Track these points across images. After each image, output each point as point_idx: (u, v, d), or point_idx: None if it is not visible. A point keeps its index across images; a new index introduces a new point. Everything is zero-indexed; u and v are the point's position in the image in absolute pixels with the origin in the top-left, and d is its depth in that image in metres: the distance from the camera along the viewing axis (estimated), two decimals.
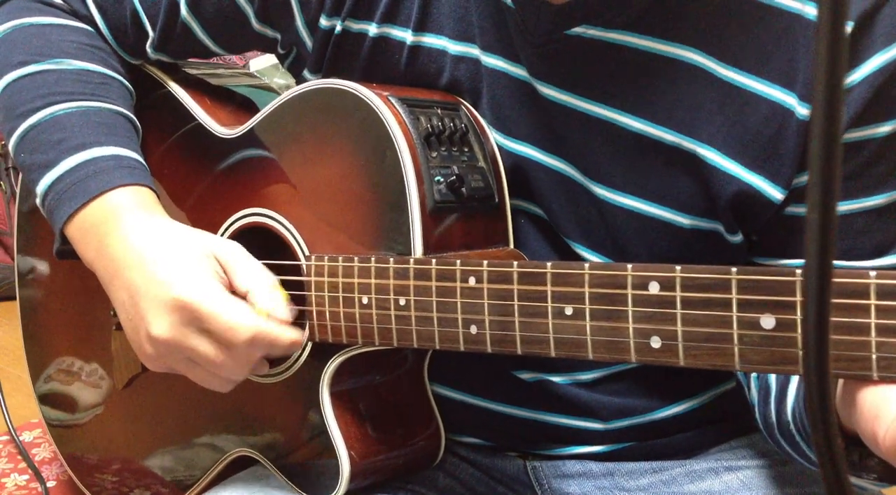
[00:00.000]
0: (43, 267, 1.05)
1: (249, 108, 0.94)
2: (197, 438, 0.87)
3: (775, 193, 0.65)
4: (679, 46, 0.65)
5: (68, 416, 1.04)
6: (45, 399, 1.08)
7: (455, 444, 0.83)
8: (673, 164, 0.67)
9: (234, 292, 0.71)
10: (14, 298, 1.09)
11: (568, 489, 0.79)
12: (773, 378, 0.68)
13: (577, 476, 0.79)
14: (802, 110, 0.63)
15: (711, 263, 0.69)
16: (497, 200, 0.74)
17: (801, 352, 0.48)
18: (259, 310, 0.69)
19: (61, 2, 0.86)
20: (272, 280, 0.72)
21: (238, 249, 0.73)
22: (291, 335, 0.70)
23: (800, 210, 0.66)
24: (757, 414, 0.71)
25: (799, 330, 0.48)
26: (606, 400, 0.76)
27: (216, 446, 0.84)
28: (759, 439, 0.80)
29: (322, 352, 0.73)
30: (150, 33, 0.84)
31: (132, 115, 0.84)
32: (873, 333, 0.45)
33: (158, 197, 0.79)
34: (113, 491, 0.98)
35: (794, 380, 0.65)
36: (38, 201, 0.79)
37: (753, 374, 0.72)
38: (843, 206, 0.64)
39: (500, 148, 0.74)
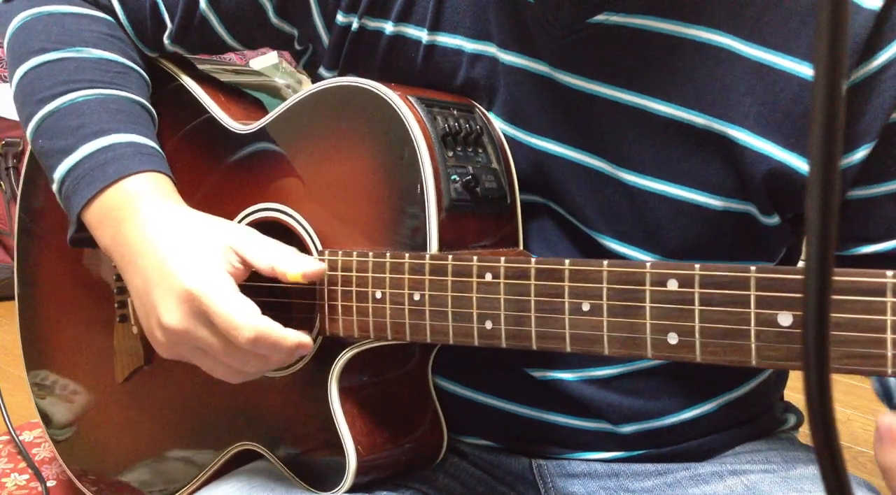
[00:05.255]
0: (41, 265, 1.05)
1: (260, 105, 0.95)
2: (199, 432, 0.87)
3: None
4: (703, 28, 0.66)
5: (66, 415, 1.04)
6: (42, 398, 1.07)
7: (459, 443, 0.83)
8: (704, 147, 0.67)
9: (257, 275, 0.71)
10: (14, 298, 1.09)
11: (572, 488, 0.79)
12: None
13: (581, 475, 0.79)
14: None
15: (744, 246, 0.69)
16: (509, 202, 0.75)
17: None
18: (293, 276, 0.69)
19: None
20: (292, 249, 0.72)
21: (251, 233, 0.73)
22: (296, 337, 0.69)
23: (855, 192, 0.66)
24: (886, 404, 0.71)
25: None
26: (617, 401, 0.76)
27: (219, 440, 0.84)
28: (764, 444, 0.81)
29: (331, 346, 0.73)
30: (169, 25, 0.85)
31: (149, 105, 0.85)
32: (889, 332, 0.46)
33: (175, 185, 0.80)
34: (113, 488, 0.98)
35: None
36: (54, 187, 0.80)
37: None
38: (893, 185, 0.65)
39: (520, 144, 0.75)
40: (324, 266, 0.71)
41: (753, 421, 0.81)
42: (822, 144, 0.29)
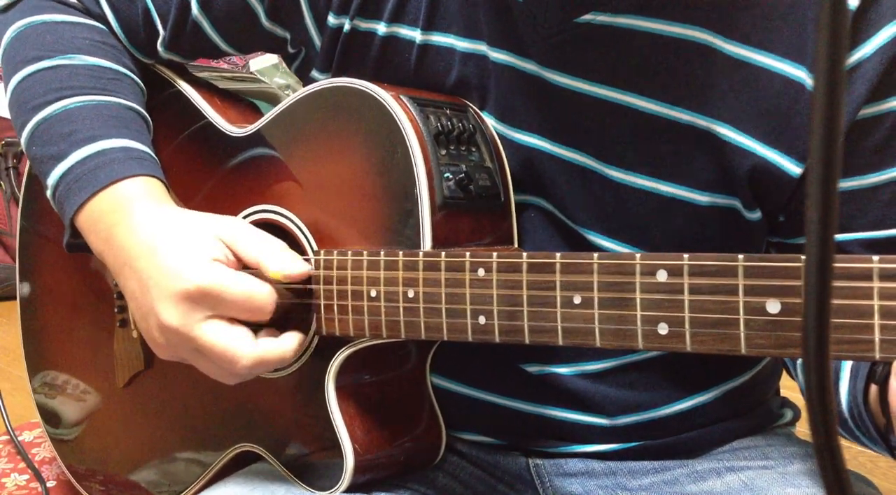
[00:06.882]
0: (44, 266, 1.06)
1: (255, 109, 0.96)
2: (199, 434, 0.87)
3: (792, 167, 0.66)
4: (687, 26, 0.66)
5: (67, 417, 1.04)
6: (43, 399, 1.08)
7: (457, 442, 0.83)
8: (689, 143, 0.68)
9: (244, 268, 0.72)
10: (15, 298, 1.10)
11: (570, 487, 0.79)
12: None
13: (579, 474, 0.79)
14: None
15: (729, 242, 0.69)
16: (503, 200, 0.75)
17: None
18: (273, 274, 0.70)
19: (74, 0, 0.88)
20: (280, 244, 0.73)
21: (240, 225, 0.74)
22: (295, 344, 0.72)
23: None
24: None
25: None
26: (612, 393, 0.76)
27: (219, 442, 0.85)
28: (762, 440, 0.81)
29: (328, 346, 0.74)
30: (161, 32, 0.86)
31: (143, 111, 0.85)
32: (876, 316, 0.46)
33: (168, 189, 0.80)
34: (112, 491, 0.98)
35: (845, 374, 0.66)
36: (48, 193, 0.80)
37: (800, 359, 0.72)
38: (870, 179, 0.66)
39: (509, 142, 0.75)
40: (307, 268, 0.72)
41: (749, 414, 0.81)
42: (822, 144, 0.29)
